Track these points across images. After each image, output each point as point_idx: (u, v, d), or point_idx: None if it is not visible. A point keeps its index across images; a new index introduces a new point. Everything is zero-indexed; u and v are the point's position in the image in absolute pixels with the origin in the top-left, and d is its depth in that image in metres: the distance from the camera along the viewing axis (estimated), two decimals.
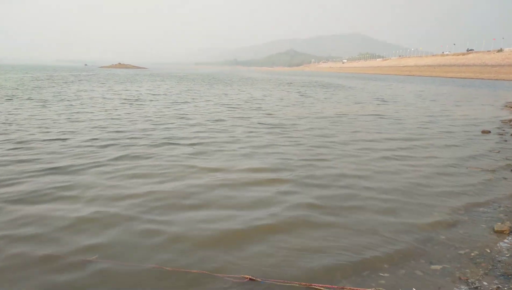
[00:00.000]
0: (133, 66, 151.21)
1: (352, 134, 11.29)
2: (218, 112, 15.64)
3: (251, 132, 11.06)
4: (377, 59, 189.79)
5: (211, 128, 11.44)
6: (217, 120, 13.13)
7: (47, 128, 10.84)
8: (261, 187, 6.04)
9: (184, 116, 14.07)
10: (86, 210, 4.90)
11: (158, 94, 24.56)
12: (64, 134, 9.97)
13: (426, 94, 30.71)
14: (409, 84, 48.78)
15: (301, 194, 5.74)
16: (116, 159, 7.45)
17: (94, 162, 7.14)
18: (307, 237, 4.36)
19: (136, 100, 20.14)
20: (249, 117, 14.15)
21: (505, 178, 7.07)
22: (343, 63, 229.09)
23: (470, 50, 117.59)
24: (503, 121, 14.73)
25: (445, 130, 12.61)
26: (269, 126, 12.16)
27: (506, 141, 10.84)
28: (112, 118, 12.97)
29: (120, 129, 10.82)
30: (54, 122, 11.90)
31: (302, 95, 26.70)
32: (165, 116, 13.80)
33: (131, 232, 4.35)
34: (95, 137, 9.56)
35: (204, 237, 4.28)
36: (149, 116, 13.72)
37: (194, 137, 9.94)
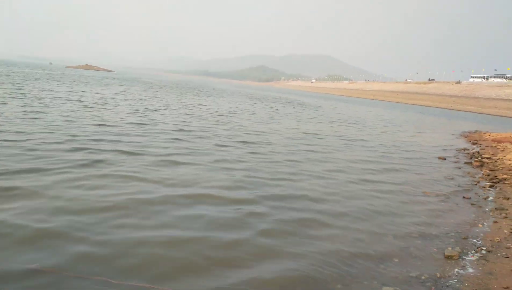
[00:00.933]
0: (101, 68, 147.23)
1: (321, 154, 11.54)
2: (188, 122, 15.52)
3: (222, 145, 11.03)
4: (344, 82, 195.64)
5: (179, 139, 11.30)
6: (187, 131, 12.99)
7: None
8: (225, 207, 5.93)
9: (152, 124, 13.84)
10: (32, 221, 4.69)
11: (126, 99, 24.05)
12: (19, 135, 9.51)
13: (391, 119, 31.96)
14: (374, 108, 50.59)
15: (265, 218, 5.68)
16: (72, 167, 7.10)
17: (49, 169, 6.83)
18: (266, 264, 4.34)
19: (102, 103, 19.60)
20: (219, 130, 14.13)
21: (457, 204, 7.47)
22: (312, 82, 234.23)
23: (431, 79, 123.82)
24: (458, 149, 15.59)
25: (406, 155, 13.18)
26: (240, 141, 12.15)
27: (459, 168, 11.47)
28: (75, 122, 12.54)
29: (80, 134, 10.43)
30: (9, 121, 11.31)
31: (273, 111, 27.04)
32: (133, 123, 13.49)
33: (81, 248, 4.19)
34: (55, 141, 9.20)
35: (159, 258, 4.19)
36: (114, 122, 13.37)
37: (162, 148, 9.79)
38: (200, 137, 12.15)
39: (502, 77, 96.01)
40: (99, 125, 12.34)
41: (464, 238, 5.57)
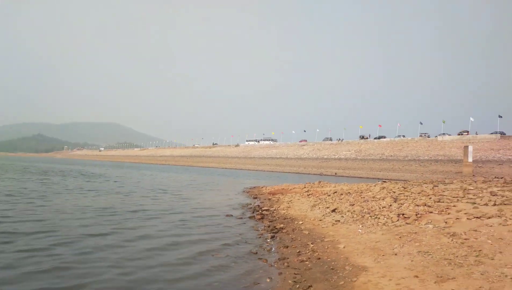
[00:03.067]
0: None
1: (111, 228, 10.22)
2: None
3: None
4: (135, 149, 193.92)
5: None
6: None
7: None
8: None
9: None
10: None
11: None
12: None
13: (181, 183, 32.60)
14: (167, 173, 51.13)
15: None
16: None
17: None
18: None
19: None
20: None
21: (246, 261, 7.67)
22: (100, 151, 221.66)
23: (215, 144, 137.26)
24: (242, 205, 16.89)
25: (196, 215, 13.29)
26: None
27: (245, 223, 12.25)
28: None
29: None
30: None
31: (48, 187, 23.27)
32: None
33: None
34: None
35: None
36: None
37: None
38: None
39: (269, 140, 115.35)
40: None
41: None
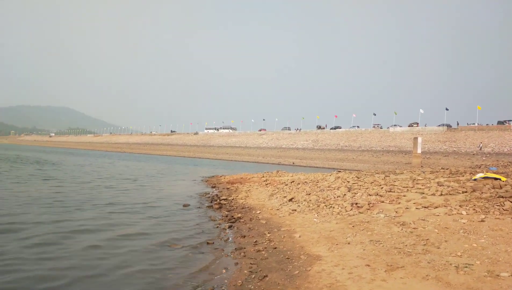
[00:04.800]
0: None
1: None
2: None
3: None
4: (89, 135, 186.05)
5: None
6: None
7: None
8: None
9: None
10: None
11: None
12: None
13: (141, 171, 31.68)
14: (125, 161, 49.48)
15: None
16: None
17: None
18: None
19: None
20: None
21: (202, 252, 7.58)
22: (50, 136, 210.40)
23: (173, 131, 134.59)
24: (200, 195, 16.70)
25: (153, 209, 12.93)
26: None
27: (203, 213, 12.13)
28: None
29: None
30: None
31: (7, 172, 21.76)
32: None
33: None
34: None
35: None
36: None
37: None
38: None
39: (228, 128, 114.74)
40: None
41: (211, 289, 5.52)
